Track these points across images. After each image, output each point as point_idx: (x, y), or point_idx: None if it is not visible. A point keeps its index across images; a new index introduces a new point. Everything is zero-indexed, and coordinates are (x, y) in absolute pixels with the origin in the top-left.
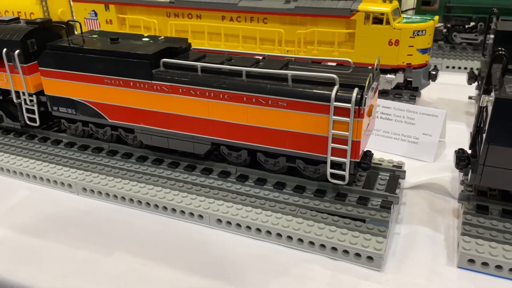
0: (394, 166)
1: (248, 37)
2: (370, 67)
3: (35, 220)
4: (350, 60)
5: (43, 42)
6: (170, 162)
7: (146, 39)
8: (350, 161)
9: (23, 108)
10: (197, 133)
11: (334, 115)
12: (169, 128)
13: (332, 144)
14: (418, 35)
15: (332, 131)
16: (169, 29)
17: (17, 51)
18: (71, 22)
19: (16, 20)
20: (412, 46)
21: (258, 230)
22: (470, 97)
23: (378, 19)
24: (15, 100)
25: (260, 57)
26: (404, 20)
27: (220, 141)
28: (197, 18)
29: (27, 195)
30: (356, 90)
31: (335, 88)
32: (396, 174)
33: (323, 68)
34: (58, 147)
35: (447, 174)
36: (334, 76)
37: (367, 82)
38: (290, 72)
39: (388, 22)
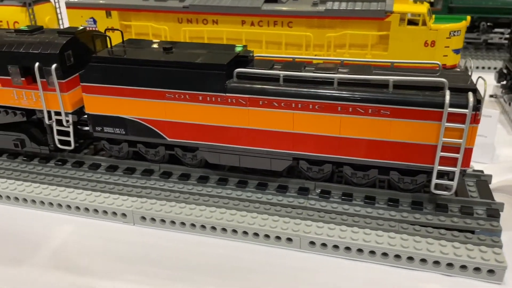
0: (474, 170)
1: (272, 42)
2: (458, 70)
3: (90, 259)
4: (439, 63)
5: (78, 54)
6: (238, 181)
7: (202, 48)
8: (460, 170)
9: (54, 130)
10: (277, 148)
11: (447, 121)
12: (242, 145)
13: (441, 153)
14: (454, 35)
15: (443, 139)
16: (183, 36)
17: (54, 66)
18: (110, 31)
19: (40, 29)
20: (448, 47)
21: (360, 250)
22: (491, 96)
23: (412, 20)
24: (47, 122)
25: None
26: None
27: (304, 155)
28: (214, 24)
29: (73, 230)
30: (471, 94)
31: (447, 93)
32: (482, 179)
33: (409, 72)
34: (98, 172)
35: None
36: (444, 80)
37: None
38: (392, 78)
39: (424, 23)
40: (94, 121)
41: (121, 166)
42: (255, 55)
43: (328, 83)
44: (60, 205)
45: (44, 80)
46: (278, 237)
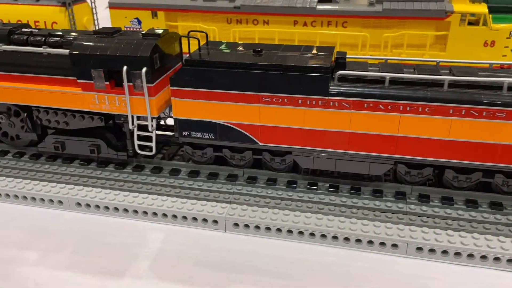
0: None
1: (326, 42)
2: None
3: (193, 269)
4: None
5: (162, 57)
6: (329, 185)
7: (291, 50)
8: None
9: (134, 135)
10: (378, 152)
11: None
12: (340, 149)
13: None
14: None
15: None
16: (232, 36)
17: (144, 69)
18: (194, 33)
19: (119, 31)
20: (507, 47)
21: (471, 256)
22: None
23: (470, 21)
24: (130, 127)
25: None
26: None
27: (407, 159)
28: (264, 24)
29: (164, 238)
30: None
31: None
32: None
33: (496, 73)
34: (179, 178)
35: None
36: None
37: None
38: (507, 80)
39: (485, 23)
40: (182, 125)
41: (203, 171)
42: None
43: (436, 84)
44: (145, 212)
45: (131, 84)
46: (382, 243)
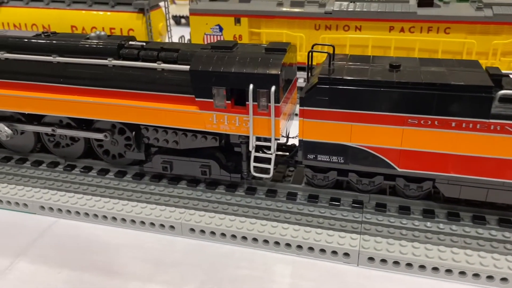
0: None
1: (426, 49)
2: None
3: None
4: None
5: (285, 73)
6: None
7: (437, 65)
8: None
9: (251, 157)
10: None
11: None
12: (496, 177)
13: None
14: None
15: None
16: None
17: (273, 88)
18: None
19: (236, 45)
20: None
21: None
22: None
23: None
24: (250, 148)
25: None
26: None
27: None
28: (356, 30)
29: (292, 271)
30: None
31: None
32: None
33: None
34: (297, 203)
35: None
36: None
37: None
38: None
39: None
40: (308, 148)
41: (322, 196)
42: None
43: None
44: (266, 241)
45: (255, 103)
46: None
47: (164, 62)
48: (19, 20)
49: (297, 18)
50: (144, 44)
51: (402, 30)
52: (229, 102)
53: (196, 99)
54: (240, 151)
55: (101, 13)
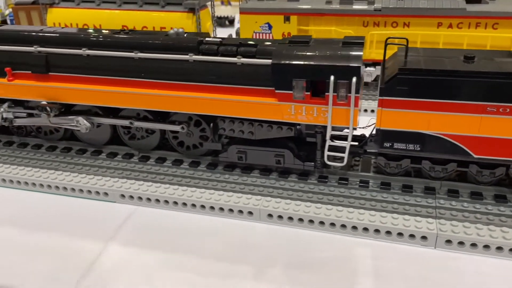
0: None
1: (474, 45)
2: None
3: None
4: None
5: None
6: None
7: (507, 56)
8: None
9: (326, 146)
10: None
11: None
12: None
13: None
14: None
15: None
16: (369, 40)
17: (354, 79)
18: (393, 39)
19: (312, 39)
20: None
21: None
22: None
23: None
24: (327, 137)
25: None
26: None
27: None
28: (405, 27)
29: (372, 253)
30: None
31: None
32: None
33: None
34: (370, 190)
35: None
36: None
37: None
38: None
39: None
40: (385, 136)
41: (394, 183)
42: None
43: None
44: (343, 226)
45: (335, 94)
46: None
47: (244, 57)
48: (70, 21)
49: (345, 15)
50: (222, 40)
51: (450, 26)
52: (308, 93)
53: (276, 91)
54: (312, 141)
55: (151, 13)
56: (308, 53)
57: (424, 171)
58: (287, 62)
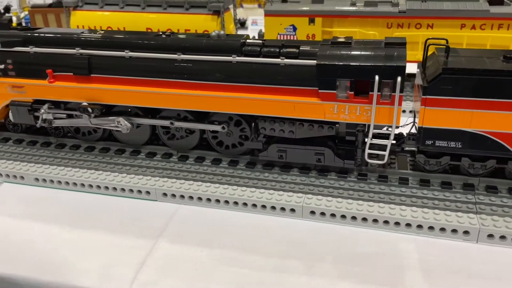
0: None
1: (497, 46)
2: None
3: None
4: None
5: None
6: None
7: None
8: None
9: (367, 144)
10: None
11: None
12: None
13: None
14: None
15: None
16: None
17: (399, 78)
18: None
19: (352, 40)
20: None
21: None
22: None
23: None
24: (369, 136)
25: None
26: None
27: None
28: (428, 28)
29: (416, 248)
30: None
31: None
32: None
33: None
34: (410, 186)
35: None
36: None
37: None
38: None
39: None
40: (427, 134)
41: (433, 180)
42: None
43: None
44: (386, 222)
45: (379, 93)
46: None
47: (287, 58)
48: (94, 23)
49: (370, 17)
50: (264, 42)
51: (473, 27)
52: (352, 93)
53: (320, 90)
54: (350, 139)
55: (176, 15)
56: (352, 54)
57: (463, 168)
58: (332, 62)
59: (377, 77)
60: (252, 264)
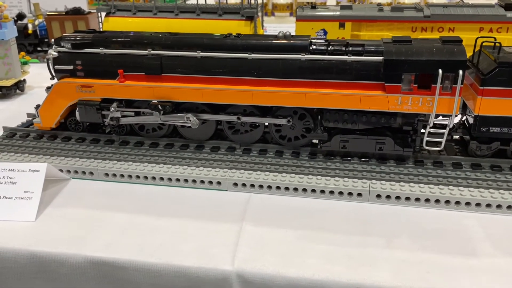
0: None
1: None
2: None
3: None
4: None
5: None
6: None
7: None
8: None
9: (426, 132)
10: None
11: None
12: None
13: None
14: None
15: None
16: None
17: (461, 72)
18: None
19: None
20: None
21: None
22: None
23: None
24: (431, 125)
25: None
26: None
27: None
28: (450, 31)
29: (478, 224)
30: None
31: None
32: None
33: None
34: (463, 170)
35: None
36: None
37: None
38: None
39: None
40: (482, 121)
41: (483, 164)
42: None
43: None
44: (448, 202)
45: (441, 85)
46: None
47: (353, 56)
48: (127, 29)
49: (396, 21)
50: (328, 41)
51: (490, 30)
52: (415, 85)
53: (386, 84)
54: (407, 129)
55: (209, 21)
56: (417, 50)
57: (510, 152)
58: (399, 58)
59: (440, 71)
60: (336, 241)
